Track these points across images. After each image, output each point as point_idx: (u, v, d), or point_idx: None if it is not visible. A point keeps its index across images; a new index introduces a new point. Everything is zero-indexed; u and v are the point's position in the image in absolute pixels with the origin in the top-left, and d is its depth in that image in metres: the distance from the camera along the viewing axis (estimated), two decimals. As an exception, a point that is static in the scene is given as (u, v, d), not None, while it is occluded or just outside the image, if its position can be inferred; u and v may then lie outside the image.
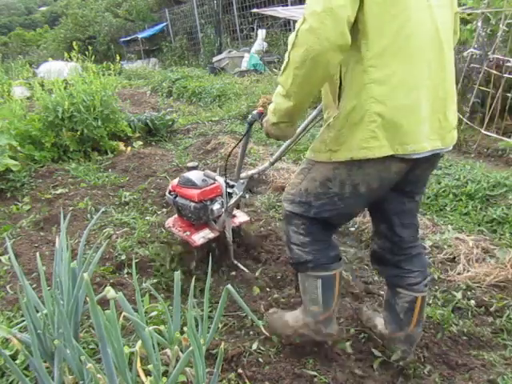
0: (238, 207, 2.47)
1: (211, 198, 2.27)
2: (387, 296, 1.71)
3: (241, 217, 2.48)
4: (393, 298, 1.66)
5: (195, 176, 2.30)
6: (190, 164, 2.52)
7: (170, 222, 2.45)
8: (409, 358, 1.69)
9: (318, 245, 1.56)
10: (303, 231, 1.55)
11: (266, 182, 3.72)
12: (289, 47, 1.29)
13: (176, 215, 2.44)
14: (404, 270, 1.62)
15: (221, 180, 2.23)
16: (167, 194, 2.44)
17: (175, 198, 2.35)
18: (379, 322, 1.80)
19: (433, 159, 1.46)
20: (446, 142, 1.41)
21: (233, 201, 2.20)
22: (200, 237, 2.23)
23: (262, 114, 1.81)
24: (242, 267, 2.35)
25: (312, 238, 1.55)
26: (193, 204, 2.23)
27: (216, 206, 2.28)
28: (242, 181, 2.19)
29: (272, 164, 2.15)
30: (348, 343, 1.80)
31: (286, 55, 1.30)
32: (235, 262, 2.36)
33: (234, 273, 2.35)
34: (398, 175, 1.42)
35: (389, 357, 1.71)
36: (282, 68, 1.34)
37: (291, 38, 1.28)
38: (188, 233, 2.27)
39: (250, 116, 1.90)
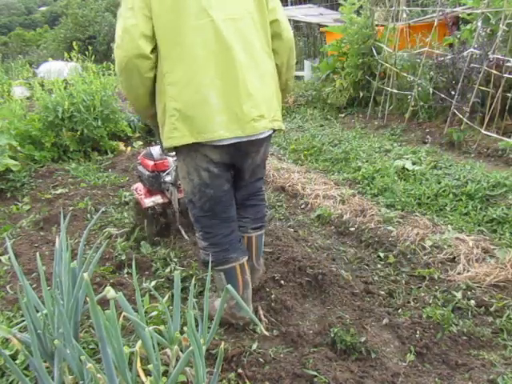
0: None
1: (163, 170, 2.66)
2: None
3: None
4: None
5: (155, 151, 2.70)
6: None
7: (135, 186, 2.91)
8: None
9: (216, 247, 1.86)
10: (201, 237, 1.89)
11: (266, 181, 3.72)
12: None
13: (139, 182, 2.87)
14: (239, 216, 1.99)
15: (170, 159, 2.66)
16: (137, 163, 2.93)
17: (138, 166, 2.83)
18: None
19: (255, 143, 1.76)
20: (247, 131, 1.67)
21: (172, 175, 2.57)
22: (150, 200, 2.66)
23: None
24: (183, 233, 2.67)
25: (209, 242, 1.87)
26: (147, 173, 2.68)
27: (167, 178, 2.64)
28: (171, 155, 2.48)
29: None
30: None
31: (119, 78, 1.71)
32: (179, 227, 2.70)
33: (186, 237, 2.65)
34: (227, 157, 1.75)
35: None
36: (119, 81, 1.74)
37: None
38: (143, 196, 2.71)
39: None
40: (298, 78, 7.73)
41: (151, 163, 2.66)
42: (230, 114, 1.65)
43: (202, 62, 1.61)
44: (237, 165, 1.85)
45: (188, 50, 1.60)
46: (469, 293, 2.10)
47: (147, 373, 1.42)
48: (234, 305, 1.89)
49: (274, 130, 1.83)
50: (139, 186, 2.85)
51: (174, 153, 2.01)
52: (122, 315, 1.58)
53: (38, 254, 1.78)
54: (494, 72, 3.72)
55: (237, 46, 1.63)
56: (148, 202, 2.65)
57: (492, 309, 1.98)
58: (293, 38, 1.96)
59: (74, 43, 5.00)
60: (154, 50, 1.62)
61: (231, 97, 1.63)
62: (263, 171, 2.07)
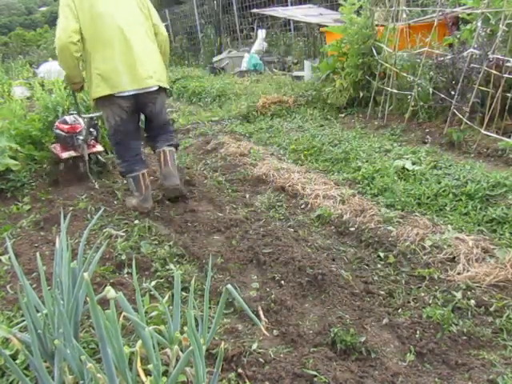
0: (96, 140, 3.93)
1: (75, 132, 3.68)
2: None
3: (97, 147, 3.90)
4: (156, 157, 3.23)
5: (69, 118, 3.78)
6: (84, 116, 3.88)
7: (53, 146, 3.85)
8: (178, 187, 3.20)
9: (125, 163, 3.07)
10: (117, 157, 3.16)
11: (266, 181, 3.72)
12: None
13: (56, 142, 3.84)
14: (155, 141, 3.20)
15: (82, 122, 3.74)
16: (54, 128, 3.83)
17: (56, 129, 3.77)
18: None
19: (149, 95, 2.97)
20: (142, 86, 2.89)
21: (83, 135, 3.68)
22: (66, 153, 3.68)
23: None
24: (92, 180, 3.72)
25: (122, 160, 3.09)
26: (64, 134, 3.68)
27: (80, 136, 3.69)
28: (85, 120, 3.67)
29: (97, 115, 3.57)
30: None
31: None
32: (89, 174, 3.76)
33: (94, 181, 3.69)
34: (132, 105, 2.95)
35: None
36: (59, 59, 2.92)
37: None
38: (60, 151, 3.71)
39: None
40: (298, 78, 7.73)
41: (66, 127, 3.69)
42: (131, 76, 2.84)
43: (109, 45, 2.82)
44: (142, 112, 3.11)
45: (102, 40, 2.81)
46: (469, 293, 2.10)
47: (147, 373, 1.42)
48: (142, 200, 3.10)
49: (161, 88, 3.01)
50: (56, 145, 3.81)
51: (87, 115, 3.59)
52: (122, 315, 1.58)
53: (38, 253, 1.78)
54: (494, 72, 3.71)
55: (132, 37, 2.86)
56: (65, 154, 3.66)
57: (492, 309, 1.98)
58: (166, 35, 3.22)
59: (74, 43, 4.99)
60: (80, 40, 2.81)
61: (130, 65, 2.84)
62: (165, 117, 3.22)
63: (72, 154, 3.67)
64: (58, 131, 3.73)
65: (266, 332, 1.71)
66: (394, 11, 4.98)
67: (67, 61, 2.86)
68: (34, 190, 3.65)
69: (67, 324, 1.42)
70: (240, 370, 1.66)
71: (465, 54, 4.08)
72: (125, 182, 3.41)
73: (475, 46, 3.95)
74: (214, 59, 11.53)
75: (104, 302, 1.98)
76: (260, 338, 1.87)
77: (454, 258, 2.37)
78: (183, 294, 2.11)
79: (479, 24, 3.95)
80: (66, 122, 3.72)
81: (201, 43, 14.09)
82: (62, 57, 2.83)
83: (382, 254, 2.51)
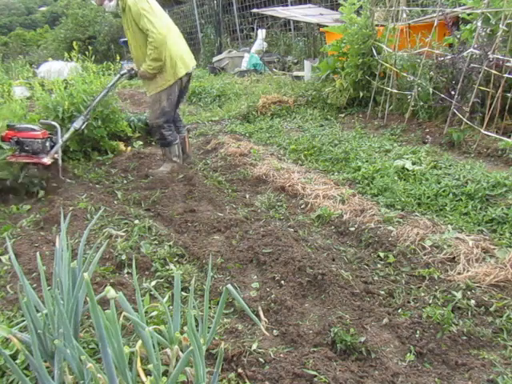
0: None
1: (48, 136, 3.72)
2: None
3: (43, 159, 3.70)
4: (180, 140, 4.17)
5: (32, 126, 3.71)
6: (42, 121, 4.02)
7: (9, 157, 3.54)
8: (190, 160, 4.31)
9: (171, 133, 3.99)
10: (167, 128, 3.94)
11: (266, 181, 3.72)
12: (154, 45, 3.55)
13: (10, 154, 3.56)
14: (176, 126, 4.14)
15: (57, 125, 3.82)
16: (1, 142, 3.60)
17: (17, 139, 3.56)
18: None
19: (190, 75, 4.00)
20: (191, 66, 3.91)
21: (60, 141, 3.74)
22: (49, 159, 3.58)
23: (131, 70, 3.92)
24: (68, 180, 3.83)
25: (170, 131, 3.96)
26: (39, 140, 3.59)
27: (54, 140, 3.75)
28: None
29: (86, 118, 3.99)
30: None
31: (155, 51, 3.57)
32: (62, 177, 3.78)
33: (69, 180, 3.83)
34: (184, 82, 3.92)
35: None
36: (155, 53, 3.57)
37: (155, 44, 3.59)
38: (37, 159, 3.54)
39: (124, 70, 3.94)
40: (298, 77, 7.73)
41: (39, 133, 3.61)
42: (186, 59, 3.83)
43: (175, 37, 3.82)
44: (183, 89, 4.01)
45: (169, 31, 3.69)
46: (469, 293, 2.10)
47: (147, 373, 1.42)
48: (179, 162, 4.13)
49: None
50: (15, 156, 3.56)
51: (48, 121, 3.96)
52: (122, 315, 1.58)
53: (38, 253, 1.78)
54: (494, 72, 3.71)
55: (177, 35, 3.91)
56: (47, 160, 3.58)
57: (492, 309, 1.98)
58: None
59: (74, 43, 4.98)
60: None
61: (185, 51, 3.88)
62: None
63: (51, 159, 3.60)
64: (28, 141, 3.55)
65: (266, 332, 1.71)
66: (393, 11, 4.98)
67: (163, 52, 3.58)
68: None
69: (67, 324, 1.42)
70: (240, 370, 1.66)
71: (465, 53, 4.08)
72: (160, 152, 4.35)
73: (475, 45, 3.95)
74: (214, 59, 11.52)
75: (104, 302, 1.98)
76: (260, 338, 1.87)
77: (454, 257, 2.37)
78: (183, 294, 2.11)
79: (479, 24, 3.95)
80: (35, 130, 3.62)
81: (201, 43, 14.08)
82: (163, 49, 3.56)
83: (381, 254, 2.51)
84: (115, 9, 3.89)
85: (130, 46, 3.82)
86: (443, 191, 3.03)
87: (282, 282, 2.29)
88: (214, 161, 4.40)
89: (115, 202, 3.42)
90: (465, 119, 3.96)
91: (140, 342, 1.42)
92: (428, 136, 4.32)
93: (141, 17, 3.49)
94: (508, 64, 3.64)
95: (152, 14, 3.50)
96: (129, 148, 4.84)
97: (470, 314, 1.98)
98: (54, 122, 3.84)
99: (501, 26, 3.69)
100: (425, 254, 2.43)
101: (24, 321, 1.80)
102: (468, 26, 4.37)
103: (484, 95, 3.98)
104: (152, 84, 3.76)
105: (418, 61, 4.72)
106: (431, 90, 4.49)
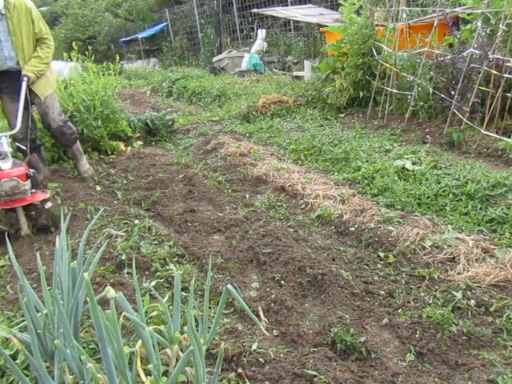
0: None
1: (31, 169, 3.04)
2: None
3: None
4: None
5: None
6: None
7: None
8: None
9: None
10: (70, 125, 3.90)
11: (266, 181, 3.72)
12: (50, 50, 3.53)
13: None
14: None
15: None
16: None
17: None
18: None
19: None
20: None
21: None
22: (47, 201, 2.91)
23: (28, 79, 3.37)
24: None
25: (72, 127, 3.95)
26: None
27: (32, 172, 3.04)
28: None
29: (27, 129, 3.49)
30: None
31: (47, 54, 3.51)
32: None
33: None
34: None
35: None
36: (50, 56, 3.56)
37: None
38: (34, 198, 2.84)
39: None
40: (297, 77, 7.73)
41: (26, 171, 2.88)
42: None
43: None
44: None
45: None
46: (469, 293, 2.10)
47: (147, 373, 1.42)
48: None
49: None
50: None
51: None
52: (122, 315, 1.58)
53: (38, 253, 1.78)
54: (494, 72, 3.71)
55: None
56: (48, 205, 2.91)
57: (492, 309, 1.98)
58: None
59: (74, 43, 4.99)
60: None
61: None
62: None
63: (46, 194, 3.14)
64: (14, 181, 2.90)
65: (266, 332, 1.71)
66: (393, 11, 4.98)
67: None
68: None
69: (67, 324, 1.42)
70: (240, 370, 1.66)
71: (465, 54, 4.08)
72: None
73: (475, 45, 3.95)
74: (214, 59, 11.52)
75: (104, 302, 1.98)
76: (260, 338, 1.87)
77: (454, 257, 2.37)
78: (183, 294, 2.11)
79: (479, 24, 3.95)
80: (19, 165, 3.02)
81: (201, 43, 14.09)
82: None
83: (381, 254, 2.51)
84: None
85: (12, 46, 3.35)
86: (443, 191, 3.03)
87: (282, 281, 2.29)
88: (213, 161, 4.40)
89: (115, 201, 3.42)
90: (465, 119, 3.96)
91: (140, 341, 1.42)
92: (428, 136, 4.32)
93: (40, 20, 3.48)
94: (508, 64, 3.64)
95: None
96: (129, 148, 4.83)
97: (470, 314, 1.98)
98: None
99: (501, 25, 3.69)
100: (425, 254, 2.43)
101: (24, 321, 1.80)
102: (468, 26, 4.37)
103: (484, 95, 3.98)
104: (47, 85, 3.60)
105: (418, 61, 4.72)
106: (431, 89, 4.49)
